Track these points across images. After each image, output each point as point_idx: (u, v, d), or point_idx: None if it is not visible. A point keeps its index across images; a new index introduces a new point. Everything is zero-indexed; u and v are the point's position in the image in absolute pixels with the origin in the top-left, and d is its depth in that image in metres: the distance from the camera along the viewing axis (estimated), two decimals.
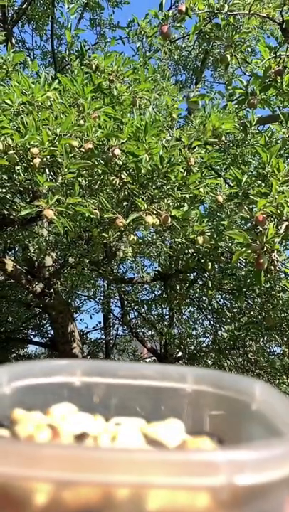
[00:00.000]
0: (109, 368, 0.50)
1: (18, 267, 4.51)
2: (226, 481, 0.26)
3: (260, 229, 2.01)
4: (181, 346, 5.08)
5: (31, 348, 7.07)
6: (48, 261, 4.71)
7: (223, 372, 0.51)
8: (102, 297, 6.37)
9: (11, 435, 0.36)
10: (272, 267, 2.19)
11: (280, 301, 3.23)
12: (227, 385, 0.47)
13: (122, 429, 0.37)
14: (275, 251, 1.98)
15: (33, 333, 6.76)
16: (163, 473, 0.26)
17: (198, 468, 0.26)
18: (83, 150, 2.56)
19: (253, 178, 2.33)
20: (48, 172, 2.59)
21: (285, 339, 3.44)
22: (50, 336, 6.35)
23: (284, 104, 2.99)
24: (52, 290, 4.62)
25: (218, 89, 3.54)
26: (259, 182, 2.33)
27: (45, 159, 2.56)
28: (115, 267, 5.13)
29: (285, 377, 3.62)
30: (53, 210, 2.30)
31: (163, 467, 0.26)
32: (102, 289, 6.33)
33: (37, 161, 2.49)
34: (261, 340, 3.65)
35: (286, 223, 2.02)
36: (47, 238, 4.11)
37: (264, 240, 1.95)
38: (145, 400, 0.50)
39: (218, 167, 3.52)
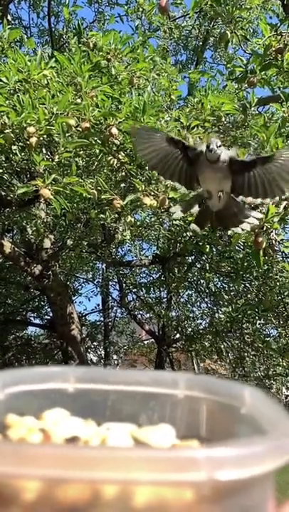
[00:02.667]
0: (103, 375, 0.51)
1: (16, 249, 4.50)
2: (207, 476, 0.27)
3: (260, 208, 1.99)
4: (179, 328, 5.12)
5: (31, 330, 7.12)
6: (47, 243, 4.70)
7: (215, 378, 0.51)
8: (100, 280, 6.39)
9: (2, 438, 0.37)
10: (271, 248, 2.19)
11: (277, 284, 3.23)
12: (218, 390, 0.48)
13: (111, 433, 0.38)
14: (274, 230, 1.97)
15: (32, 314, 6.79)
16: (146, 469, 0.26)
17: (179, 465, 0.27)
18: (80, 129, 2.53)
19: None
20: (44, 151, 2.56)
21: (282, 321, 3.46)
22: (49, 317, 6.38)
23: (284, 85, 2.94)
24: (50, 272, 4.62)
25: (219, 70, 3.49)
26: None
27: (41, 138, 2.52)
28: (114, 249, 5.13)
29: (280, 359, 3.66)
30: (49, 189, 2.29)
31: (146, 464, 0.26)
32: (100, 271, 6.34)
33: (33, 140, 2.46)
34: (258, 322, 3.67)
35: (285, 203, 2.01)
36: (45, 220, 4.09)
37: (263, 219, 1.94)
38: (137, 405, 0.50)
39: None
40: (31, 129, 2.47)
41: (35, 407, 0.45)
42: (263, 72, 2.82)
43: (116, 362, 7.43)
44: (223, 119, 3.06)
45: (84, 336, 5.96)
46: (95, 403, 0.49)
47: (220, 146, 1.40)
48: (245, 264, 3.43)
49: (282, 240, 2.14)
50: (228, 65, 2.72)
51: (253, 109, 3.11)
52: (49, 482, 0.27)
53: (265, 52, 2.54)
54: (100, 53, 3.26)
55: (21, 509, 0.27)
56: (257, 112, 3.32)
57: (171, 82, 3.23)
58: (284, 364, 3.75)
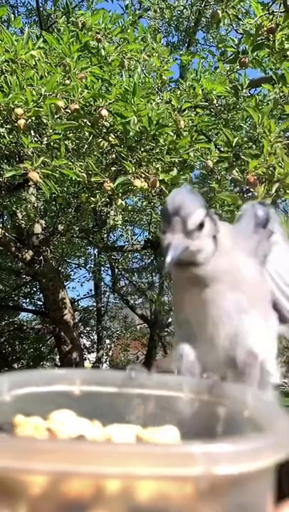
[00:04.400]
0: (108, 377, 0.52)
1: (7, 234, 4.46)
2: (204, 471, 0.27)
3: (251, 190, 1.99)
4: (171, 313, 5.14)
5: (23, 315, 7.12)
6: (37, 228, 4.67)
7: (218, 381, 0.52)
8: (92, 265, 6.37)
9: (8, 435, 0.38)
10: None
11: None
12: (221, 393, 0.49)
13: (116, 434, 0.39)
14: None
15: (25, 300, 6.78)
16: (145, 464, 0.27)
17: (177, 460, 0.28)
18: (69, 111, 2.48)
19: (245, 139, 2.28)
20: (33, 134, 2.51)
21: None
22: (41, 303, 6.37)
23: (276, 66, 2.90)
24: (42, 258, 4.59)
25: (210, 51, 3.44)
26: (250, 144, 2.28)
27: (30, 120, 2.48)
28: (105, 235, 5.10)
29: None
30: (38, 172, 2.25)
31: (145, 458, 0.27)
32: (92, 257, 6.32)
33: (21, 122, 2.41)
34: None
35: (277, 184, 2.00)
36: (35, 205, 4.05)
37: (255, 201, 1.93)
38: (142, 407, 0.52)
39: (209, 132, 3.46)
40: (19, 111, 2.42)
41: (42, 408, 0.45)
42: (255, 53, 2.78)
43: (109, 346, 7.48)
44: (215, 102, 3.03)
45: (76, 321, 5.97)
46: (101, 405, 0.50)
47: None
48: None
49: None
50: (220, 46, 2.68)
51: (244, 91, 3.07)
52: (54, 476, 0.28)
53: (257, 32, 2.50)
54: (90, 33, 3.18)
55: (27, 503, 0.28)
56: (249, 94, 3.28)
57: (162, 62, 3.17)
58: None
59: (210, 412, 0.49)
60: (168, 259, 0.64)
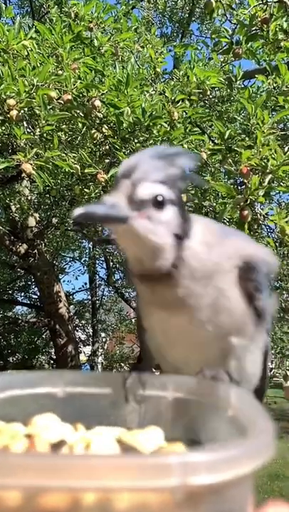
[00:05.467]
0: (92, 379, 0.52)
1: (0, 227, 4.44)
2: (180, 482, 0.27)
3: (245, 181, 1.98)
4: None
5: (18, 309, 7.11)
6: (31, 222, 4.65)
7: (202, 380, 0.52)
8: (87, 259, 6.36)
9: None
10: (255, 222, 2.19)
11: None
12: (206, 392, 0.49)
13: (96, 438, 0.39)
14: (259, 204, 1.96)
15: (19, 294, 6.77)
16: (120, 477, 0.27)
17: (153, 472, 0.27)
18: (62, 102, 2.46)
19: (238, 132, 2.28)
20: (25, 125, 2.49)
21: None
22: (36, 296, 6.36)
23: (270, 58, 2.89)
24: (36, 251, 4.58)
25: (204, 41, 3.41)
26: (243, 136, 2.28)
27: (22, 111, 2.45)
28: (100, 228, 5.09)
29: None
30: (31, 164, 2.23)
31: (120, 472, 0.27)
32: (87, 250, 6.31)
33: (14, 113, 2.39)
34: None
35: (270, 176, 2.00)
36: (29, 198, 4.03)
37: (248, 192, 1.93)
38: (126, 408, 0.52)
39: (203, 124, 3.45)
40: (11, 102, 2.40)
41: (24, 411, 0.45)
42: (249, 44, 2.77)
43: (104, 340, 7.49)
44: (209, 93, 3.01)
45: (71, 314, 5.97)
46: (85, 407, 0.50)
47: None
48: None
49: (267, 213, 2.14)
50: (214, 36, 2.66)
51: (238, 82, 3.05)
52: (28, 491, 0.28)
53: (251, 22, 2.48)
54: (82, 23, 3.15)
55: None
56: (243, 86, 3.27)
57: (156, 53, 3.15)
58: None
59: (194, 410, 0.49)
60: (84, 209, 0.49)
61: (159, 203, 0.53)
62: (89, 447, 0.36)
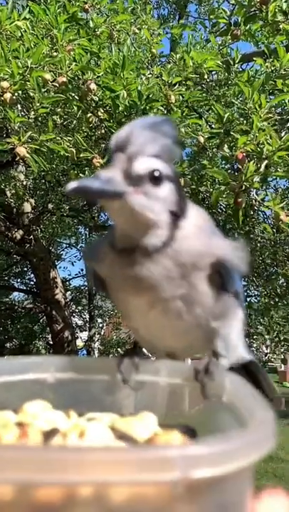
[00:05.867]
0: (83, 364, 0.51)
1: None
2: (181, 475, 0.26)
3: (240, 167, 1.97)
4: None
5: (15, 295, 7.11)
6: (27, 207, 4.62)
7: (196, 366, 0.52)
8: (83, 245, 6.35)
9: None
10: (251, 208, 2.18)
11: (258, 245, 3.25)
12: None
13: (90, 425, 0.37)
14: (254, 190, 1.95)
15: (16, 280, 6.76)
16: (119, 471, 0.26)
17: (152, 465, 0.26)
18: (57, 84, 2.42)
19: (236, 115, 2.25)
20: (20, 108, 2.45)
21: (262, 281, 3.50)
22: (32, 282, 6.36)
23: (269, 41, 2.84)
24: (32, 237, 4.56)
25: (202, 22, 3.33)
26: (241, 120, 2.25)
27: (16, 94, 2.41)
28: (96, 214, 5.06)
29: (260, 318, 3.74)
30: (26, 147, 2.20)
31: (119, 466, 0.26)
32: (83, 237, 6.29)
33: (8, 95, 2.35)
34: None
35: (266, 162, 1.98)
36: (24, 183, 3.99)
37: (243, 178, 1.92)
38: (119, 394, 0.51)
39: (200, 109, 3.40)
40: (5, 84, 2.35)
41: (15, 398, 0.44)
42: (248, 26, 2.72)
43: (100, 325, 7.51)
44: (206, 77, 2.97)
45: (68, 300, 5.97)
46: (77, 393, 0.49)
47: None
48: (227, 226, 3.42)
49: (262, 199, 2.13)
50: (212, 17, 2.61)
51: (236, 66, 3.01)
52: (21, 486, 0.27)
53: (250, 3, 2.43)
54: (77, 3, 3.08)
55: None
56: (240, 70, 3.22)
57: (152, 35, 3.09)
58: (264, 323, 3.83)
59: (188, 396, 0.49)
60: (78, 183, 0.47)
61: (155, 179, 0.51)
62: (83, 436, 0.35)
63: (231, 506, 0.31)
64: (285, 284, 3.52)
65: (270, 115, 2.18)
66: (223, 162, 2.66)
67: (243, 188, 1.94)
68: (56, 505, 0.27)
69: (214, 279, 0.58)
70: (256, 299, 3.74)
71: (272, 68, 2.29)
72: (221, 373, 0.48)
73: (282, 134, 2.14)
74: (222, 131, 2.32)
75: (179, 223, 0.54)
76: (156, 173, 0.51)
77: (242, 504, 0.31)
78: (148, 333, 0.61)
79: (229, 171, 2.53)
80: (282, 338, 4.02)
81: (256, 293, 3.70)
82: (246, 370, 0.77)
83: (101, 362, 0.56)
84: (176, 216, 0.54)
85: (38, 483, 0.26)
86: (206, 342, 0.62)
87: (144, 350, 0.68)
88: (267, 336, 3.90)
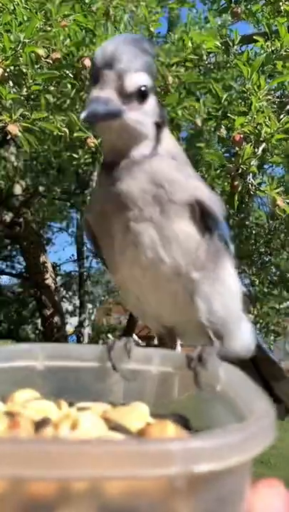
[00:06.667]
0: (73, 351, 0.49)
1: None
2: (181, 469, 0.26)
3: (237, 150, 1.92)
4: None
5: (4, 279, 7.04)
6: (17, 189, 4.53)
7: (188, 354, 0.50)
8: (75, 229, 6.28)
9: None
10: (247, 193, 2.14)
11: (253, 233, 3.22)
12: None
13: (83, 416, 0.35)
14: (251, 174, 1.90)
15: (5, 263, 6.69)
16: (116, 465, 0.25)
17: (152, 459, 0.26)
18: (50, 61, 2.34)
19: (234, 96, 2.19)
20: (11, 84, 2.36)
21: (255, 270, 3.49)
22: (22, 266, 6.29)
23: (269, 21, 2.77)
24: (22, 220, 4.48)
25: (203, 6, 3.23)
26: (240, 101, 2.19)
27: (8, 70, 2.32)
28: (88, 197, 4.99)
29: (251, 307, 3.72)
30: (17, 126, 2.13)
31: (117, 460, 0.25)
32: (75, 221, 6.21)
33: None
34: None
35: (264, 145, 1.93)
36: (15, 164, 3.90)
37: (240, 161, 1.87)
38: (110, 382, 0.50)
39: (198, 92, 3.33)
40: None
41: (2, 387, 0.43)
42: (248, 6, 2.65)
43: (91, 311, 7.49)
44: (205, 58, 2.89)
45: (58, 285, 5.92)
46: (66, 381, 0.47)
47: None
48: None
49: (259, 184, 2.08)
50: None
51: (236, 47, 2.93)
52: (12, 480, 0.26)
53: None
54: None
55: None
56: (240, 52, 3.15)
57: (150, 13, 2.99)
58: (255, 312, 3.82)
59: (181, 385, 0.48)
60: (88, 110, 0.50)
61: (143, 94, 0.54)
62: (76, 427, 0.34)
63: (230, 499, 0.30)
64: (278, 273, 3.51)
65: (268, 97, 2.12)
66: (220, 146, 2.61)
67: (240, 171, 1.90)
68: (49, 500, 0.26)
69: (195, 218, 0.59)
70: (248, 287, 3.72)
71: (273, 49, 2.23)
72: (215, 362, 0.47)
73: (281, 117, 2.09)
74: (220, 113, 2.26)
75: (160, 135, 0.58)
76: (143, 89, 0.54)
77: (241, 496, 0.31)
78: (134, 287, 0.62)
79: (225, 154, 2.48)
80: (271, 329, 4.02)
81: (248, 282, 3.69)
82: (257, 369, 0.75)
83: (91, 349, 0.53)
84: (159, 127, 0.58)
85: (32, 477, 0.25)
86: (190, 305, 0.61)
87: (135, 337, 0.65)
88: (257, 326, 3.90)
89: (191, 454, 0.27)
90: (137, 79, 0.53)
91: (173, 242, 0.59)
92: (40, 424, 0.35)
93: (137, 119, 0.55)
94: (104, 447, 0.26)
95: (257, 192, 1.93)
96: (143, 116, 0.55)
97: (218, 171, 1.93)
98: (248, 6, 2.47)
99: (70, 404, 0.40)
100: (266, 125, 1.89)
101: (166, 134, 0.60)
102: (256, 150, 1.95)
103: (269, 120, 1.86)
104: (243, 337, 0.71)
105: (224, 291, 0.63)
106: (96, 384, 0.49)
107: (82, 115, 0.50)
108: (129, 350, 0.51)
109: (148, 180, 0.57)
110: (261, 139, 1.90)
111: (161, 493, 0.27)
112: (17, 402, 0.39)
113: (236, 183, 1.90)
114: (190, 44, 2.76)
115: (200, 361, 0.48)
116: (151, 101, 0.56)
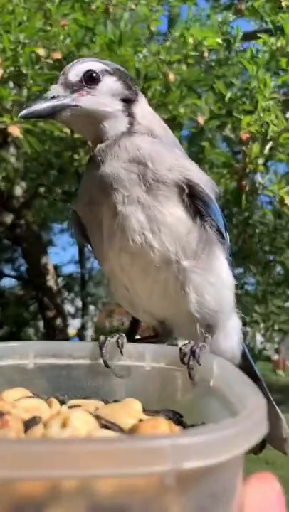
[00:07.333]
0: (64, 349, 0.49)
1: None
2: (172, 466, 0.26)
3: (244, 149, 1.88)
4: None
5: (6, 282, 7.01)
6: (18, 191, 4.49)
7: (182, 348, 0.49)
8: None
9: None
10: (254, 192, 2.10)
11: (257, 231, 3.19)
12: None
13: (74, 413, 0.35)
14: (258, 173, 1.87)
15: (7, 266, 6.66)
16: (107, 464, 0.25)
17: (142, 457, 0.25)
18: (51, 61, 2.30)
19: (238, 94, 2.15)
20: (12, 85, 2.33)
21: (260, 269, 3.45)
22: (23, 268, 6.26)
23: (271, 19, 2.73)
24: (23, 221, 4.44)
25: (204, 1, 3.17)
26: (244, 100, 2.16)
27: (8, 71, 2.29)
28: None
29: (256, 306, 3.70)
30: (18, 127, 2.10)
31: (107, 459, 0.25)
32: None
33: None
34: (235, 270, 3.64)
35: (271, 143, 1.89)
36: (15, 166, 3.86)
37: (247, 160, 1.83)
38: (102, 379, 0.49)
39: (199, 89, 3.30)
40: None
41: None
42: (251, 3, 2.61)
43: (93, 313, 7.46)
44: (206, 54, 2.85)
45: (60, 287, 5.89)
46: (58, 379, 0.47)
47: None
48: (225, 212, 3.36)
49: (265, 182, 2.05)
50: None
51: (237, 44, 2.90)
52: (2, 481, 0.25)
53: None
54: None
55: None
56: (241, 49, 3.11)
57: (150, 11, 2.96)
58: (259, 311, 3.79)
59: (174, 380, 0.47)
60: (25, 110, 0.55)
61: (93, 78, 0.56)
62: (66, 425, 0.33)
63: (223, 494, 0.30)
64: (282, 272, 3.47)
65: (274, 95, 2.09)
66: (224, 144, 2.57)
67: (247, 170, 1.86)
68: (40, 500, 0.25)
69: (184, 201, 0.57)
70: (252, 286, 3.69)
71: (277, 46, 2.20)
72: (208, 356, 0.46)
73: (287, 115, 2.05)
74: (224, 111, 2.22)
75: (132, 110, 0.58)
76: (91, 73, 0.57)
77: (233, 491, 0.31)
78: (122, 276, 0.61)
79: (229, 153, 2.45)
80: (276, 328, 3.99)
81: (253, 281, 3.66)
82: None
83: (83, 346, 0.53)
84: (129, 102, 0.59)
85: (21, 478, 0.25)
86: (182, 296, 0.59)
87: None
88: (262, 325, 3.86)
89: (181, 450, 0.26)
90: (80, 67, 0.57)
91: (161, 226, 0.57)
92: (29, 423, 0.34)
93: (91, 100, 0.57)
94: (93, 446, 0.26)
95: (265, 191, 1.89)
96: (98, 96, 0.57)
97: (225, 171, 1.90)
98: (251, 3, 2.43)
99: (62, 403, 0.40)
100: (273, 124, 1.85)
101: (142, 109, 0.60)
102: (263, 149, 1.91)
103: (276, 119, 1.82)
104: (232, 332, 0.68)
105: (216, 281, 0.61)
106: (88, 381, 0.49)
107: (21, 113, 0.55)
108: (122, 346, 0.50)
109: (130, 158, 0.56)
110: (268, 137, 1.86)
111: (152, 490, 0.26)
112: (7, 401, 0.38)
113: (244, 182, 1.87)
114: (191, 41, 2.72)
115: (193, 356, 0.47)
116: (107, 80, 0.57)
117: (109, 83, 0.58)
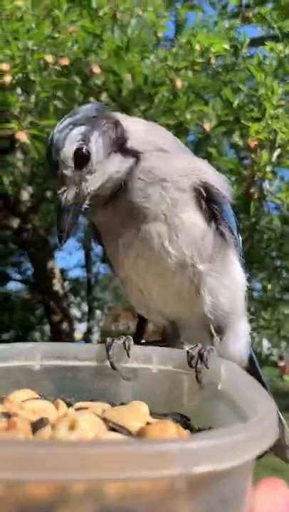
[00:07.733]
0: (70, 350, 0.48)
1: None
2: (182, 470, 0.25)
3: (252, 157, 1.87)
4: None
5: (12, 286, 7.03)
6: (25, 195, 4.50)
7: (189, 351, 0.49)
8: (82, 235, 6.26)
9: None
10: (261, 198, 2.09)
11: (264, 237, 3.18)
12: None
13: (81, 416, 0.34)
14: (267, 180, 1.86)
15: (13, 270, 6.68)
16: (116, 468, 0.25)
17: (152, 461, 0.25)
18: (58, 67, 2.31)
19: (246, 101, 2.15)
20: (20, 92, 2.34)
21: (267, 274, 3.44)
22: (30, 273, 6.27)
23: (278, 24, 2.73)
24: (30, 226, 4.46)
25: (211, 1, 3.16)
26: (252, 107, 2.15)
27: (16, 77, 2.30)
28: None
29: (263, 312, 3.68)
30: (26, 133, 2.11)
31: (116, 462, 0.25)
32: (82, 226, 6.19)
33: (8, 78, 2.24)
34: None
35: (279, 151, 1.88)
36: (22, 170, 3.88)
37: (255, 168, 1.83)
38: (108, 381, 0.49)
39: (206, 96, 3.30)
40: (4, 66, 2.25)
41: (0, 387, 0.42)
42: (258, 10, 2.61)
43: (99, 317, 7.46)
44: (213, 61, 2.85)
45: (66, 291, 5.90)
46: (64, 380, 0.47)
47: None
48: None
49: (274, 190, 2.04)
50: None
51: (244, 50, 2.89)
52: (8, 483, 0.25)
53: None
54: None
55: None
56: (248, 55, 3.11)
57: (157, 17, 2.97)
58: (266, 317, 3.77)
59: (181, 384, 0.47)
60: (62, 238, 0.57)
61: (84, 156, 0.56)
62: (74, 427, 0.33)
63: (233, 499, 0.30)
64: None
65: (282, 102, 2.08)
66: (232, 151, 2.56)
67: (256, 178, 1.85)
68: (48, 503, 0.25)
69: (201, 206, 0.59)
70: (258, 292, 3.67)
71: (286, 53, 2.19)
72: (216, 360, 0.46)
73: None
74: (231, 118, 2.22)
75: (127, 147, 0.58)
76: (80, 153, 0.56)
77: (243, 496, 0.31)
78: (139, 281, 0.62)
79: (236, 160, 2.44)
80: (282, 335, 3.97)
81: (259, 287, 3.64)
82: None
83: (89, 348, 0.52)
84: (120, 143, 0.58)
85: (30, 481, 0.25)
86: (196, 298, 0.61)
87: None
88: (269, 331, 3.84)
89: (191, 455, 0.26)
90: (66, 153, 0.56)
91: (179, 232, 0.59)
92: (37, 425, 0.34)
93: (96, 179, 0.57)
94: (102, 449, 0.26)
95: (273, 198, 1.88)
96: (99, 169, 0.57)
97: (234, 179, 1.89)
98: (258, 10, 2.43)
99: (69, 405, 0.39)
100: (281, 132, 1.85)
101: (134, 131, 0.60)
102: (271, 156, 1.91)
103: (285, 126, 1.82)
104: (241, 335, 0.69)
105: (230, 284, 0.62)
106: (94, 383, 0.48)
107: (61, 242, 0.57)
108: (128, 348, 0.50)
109: (148, 181, 0.58)
110: (276, 145, 1.85)
111: (161, 494, 0.26)
112: (14, 403, 0.38)
113: (252, 190, 1.86)
114: (198, 47, 2.72)
115: (201, 359, 0.47)
116: (94, 147, 0.57)
117: (98, 146, 0.57)
